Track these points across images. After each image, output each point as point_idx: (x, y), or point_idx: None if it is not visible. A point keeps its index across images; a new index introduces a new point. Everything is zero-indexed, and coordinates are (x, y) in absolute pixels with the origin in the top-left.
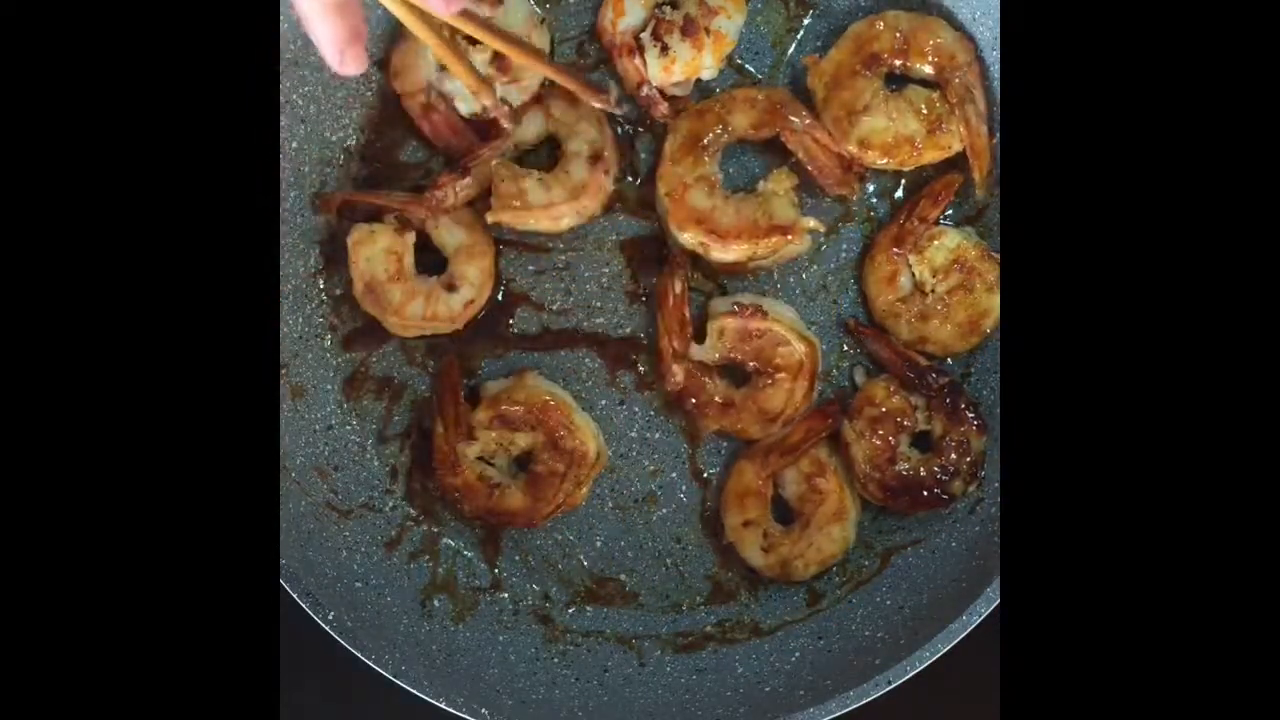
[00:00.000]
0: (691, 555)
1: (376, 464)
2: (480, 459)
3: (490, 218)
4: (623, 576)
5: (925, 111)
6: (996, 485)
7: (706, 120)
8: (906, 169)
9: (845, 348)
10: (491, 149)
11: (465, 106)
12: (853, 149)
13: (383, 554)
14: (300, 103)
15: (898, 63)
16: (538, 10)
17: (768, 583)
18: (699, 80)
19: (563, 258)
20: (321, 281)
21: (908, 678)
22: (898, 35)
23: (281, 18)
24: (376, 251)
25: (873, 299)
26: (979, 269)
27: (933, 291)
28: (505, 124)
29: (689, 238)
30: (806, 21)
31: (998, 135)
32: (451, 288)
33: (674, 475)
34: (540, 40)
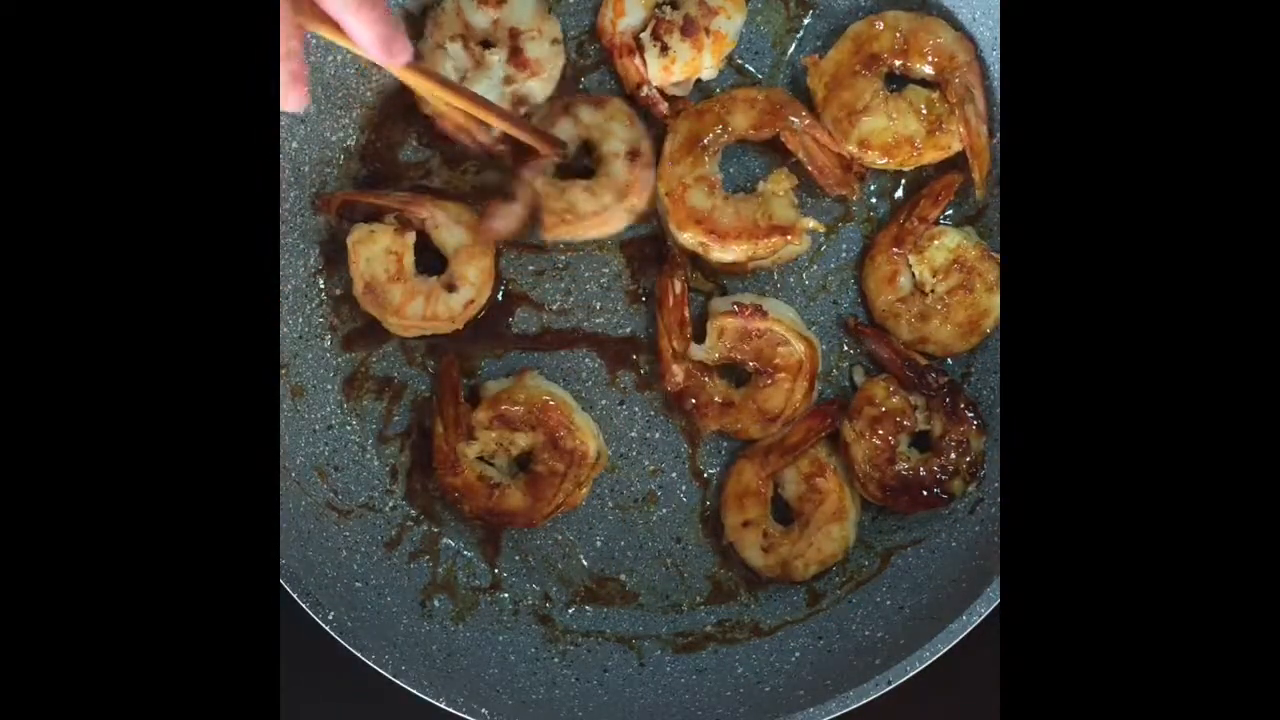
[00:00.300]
0: (691, 555)
1: (376, 464)
2: (480, 459)
3: (546, 236)
4: (623, 576)
5: (925, 111)
6: (996, 485)
7: (706, 120)
8: (907, 169)
9: (845, 348)
10: (531, 169)
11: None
12: (853, 149)
13: (383, 554)
14: None
15: (897, 63)
16: None
17: (768, 583)
18: (699, 80)
19: (563, 258)
20: (321, 281)
21: (908, 678)
22: (897, 35)
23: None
24: (376, 251)
25: (873, 299)
26: (979, 269)
27: (933, 291)
28: (547, 151)
29: (688, 238)
30: (806, 21)
31: (998, 135)
32: (451, 288)
33: (674, 475)
34: (550, 30)
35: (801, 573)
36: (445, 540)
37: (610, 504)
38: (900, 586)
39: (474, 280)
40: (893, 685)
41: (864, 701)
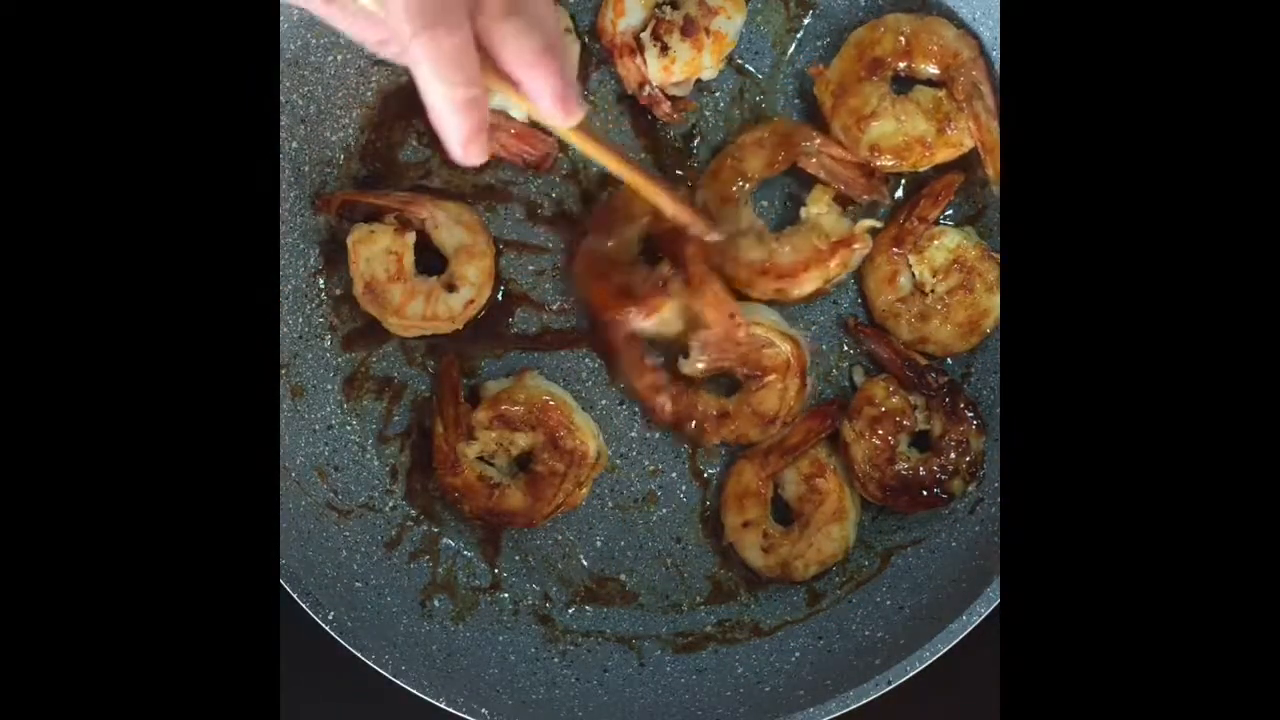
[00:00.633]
0: (691, 555)
1: (376, 464)
2: (480, 459)
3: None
4: (623, 576)
5: (933, 110)
6: (996, 485)
7: (724, 177)
8: (921, 170)
9: (845, 348)
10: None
11: (518, 112)
12: (864, 154)
13: (383, 554)
14: (300, 103)
15: (902, 65)
16: None
17: (768, 583)
18: (699, 80)
19: (563, 258)
20: (321, 281)
21: (908, 678)
22: (900, 38)
23: (281, 18)
24: (376, 251)
25: (872, 299)
26: (979, 269)
27: (933, 291)
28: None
29: (759, 292)
30: (806, 21)
31: None
32: (451, 288)
33: (674, 475)
34: (560, 19)
35: (801, 573)
36: (445, 540)
37: (610, 504)
38: (900, 586)
39: (474, 280)
40: (893, 685)
41: (864, 701)
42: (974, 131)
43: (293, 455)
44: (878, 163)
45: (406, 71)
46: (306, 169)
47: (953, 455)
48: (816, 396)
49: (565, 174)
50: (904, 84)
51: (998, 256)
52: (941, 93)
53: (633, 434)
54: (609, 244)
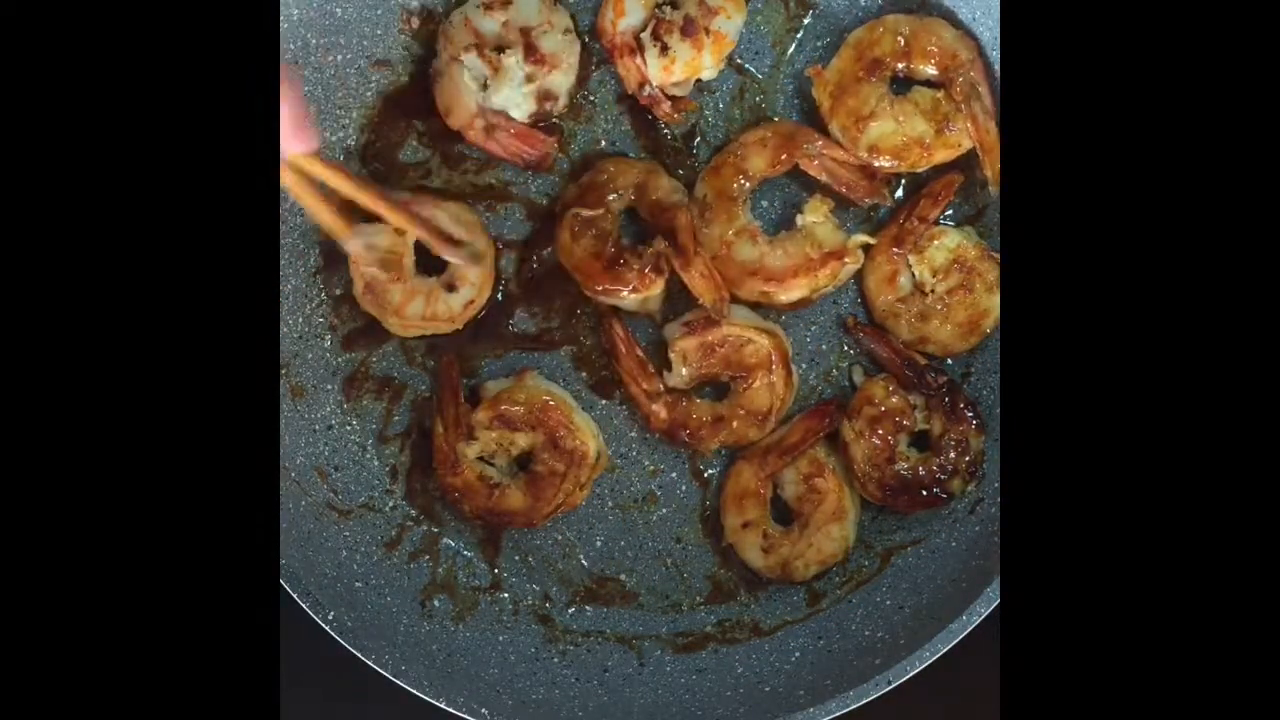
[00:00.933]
0: (691, 555)
1: (376, 464)
2: (480, 459)
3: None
4: (623, 576)
5: (932, 111)
6: (996, 485)
7: (725, 174)
8: (920, 170)
9: (845, 347)
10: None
11: (519, 112)
12: (863, 155)
13: (383, 554)
14: None
15: (900, 66)
16: None
17: (768, 583)
18: (699, 80)
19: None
20: (321, 281)
21: (908, 678)
22: (899, 39)
23: (281, 18)
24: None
25: (872, 299)
26: (979, 269)
27: (932, 291)
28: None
29: (746, 292)
30: (806, 21)
31: None
32: (451, 288)
33: (674, 475)
34: (560, 21)
35: (801, 573)
36: (445, 540)
37: (610, 504)
38: (900, 586)
39: (474, 280)
40: (893, 685)
41: (864, 701)
42: (972, 132)
43: (293, 455)
44: (876, 163)
45: (407, 71)
46: None
47: (952, 455)
48: (817, 396)
49: (565, 174)
50: (903, 85)
51: (998, 256)
52: (940, 93)
53: (633, 434)
54: (595, 213)
